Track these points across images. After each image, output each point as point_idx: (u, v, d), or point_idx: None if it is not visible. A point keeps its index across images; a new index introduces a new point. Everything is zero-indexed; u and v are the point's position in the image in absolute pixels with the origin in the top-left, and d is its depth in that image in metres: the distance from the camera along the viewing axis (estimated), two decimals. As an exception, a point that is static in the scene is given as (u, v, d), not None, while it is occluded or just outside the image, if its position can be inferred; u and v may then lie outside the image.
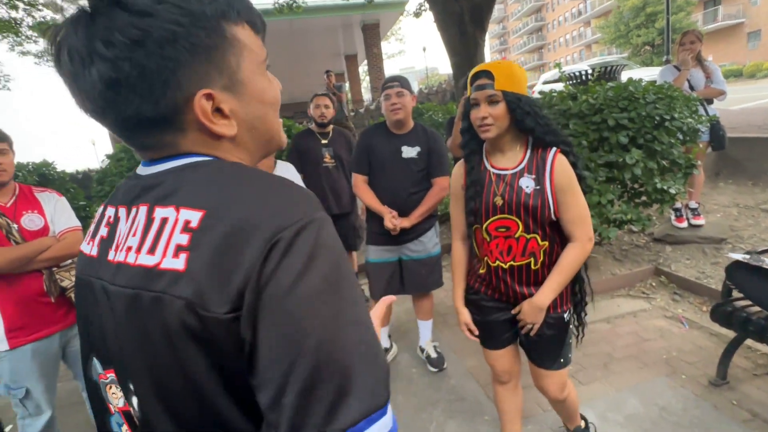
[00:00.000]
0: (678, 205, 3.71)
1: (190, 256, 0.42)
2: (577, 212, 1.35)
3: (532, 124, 1.32)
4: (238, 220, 0.41)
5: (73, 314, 1.92)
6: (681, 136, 2.91)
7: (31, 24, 8.14)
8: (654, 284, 3.24)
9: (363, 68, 20.56)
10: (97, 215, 0.58)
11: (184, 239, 0.43)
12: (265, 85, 0.53)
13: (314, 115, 3.15)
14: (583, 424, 1.78)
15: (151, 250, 0.45)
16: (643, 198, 3.06)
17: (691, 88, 3.53)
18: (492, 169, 1.42)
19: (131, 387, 0.50)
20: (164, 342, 0.43)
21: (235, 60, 0.48)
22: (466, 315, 1.58)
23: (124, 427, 0.54)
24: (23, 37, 8.36)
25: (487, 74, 1.32)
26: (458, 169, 1.55)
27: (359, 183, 2.47)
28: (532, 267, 1.41)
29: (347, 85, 18.75)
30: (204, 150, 0.50)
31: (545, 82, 11.37)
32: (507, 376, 1.64)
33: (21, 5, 7.77)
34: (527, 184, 1.35)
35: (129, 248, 0.48)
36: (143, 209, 0.48)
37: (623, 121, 2.68)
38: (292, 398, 0.39)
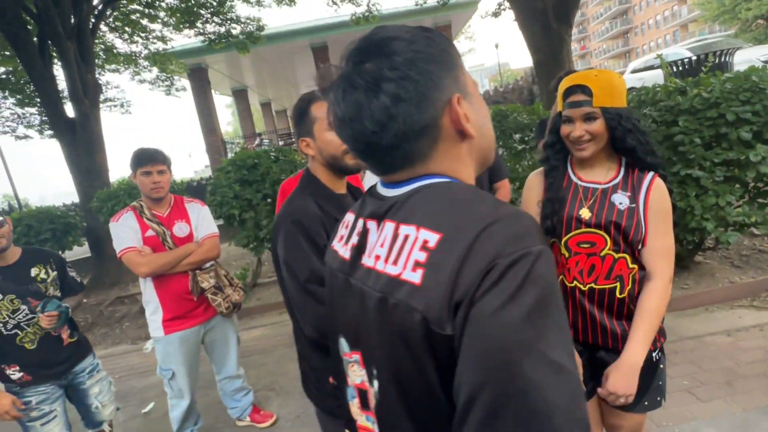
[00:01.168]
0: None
1: (426, 273, 0.50)
2: (667, 244, 1.20)
3: (634, 142, 1.19)
4: (466, 247, 0.48)
5: (211, 310, 2.23)
6: (818, 128, 2.57)
7: (145, 55, 9.37)
8: (783, 294, 2.89)
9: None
10: (348, 223, 0.70)
11: (422, 257, 0.51)
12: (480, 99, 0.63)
13: None
14: None
15: (395, 262, 0.54)
16: (769, 198, 2.75)
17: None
18: (579, 182, 1.30)
19: (374, 372, 0.59)
20: (402, 342, 0.52)
21: (461, 75, 0.60)
22: None
23: (356, 401, 0.65)
24: (141, 67, 9.65)
25: (583, 89, 1.19)
26: (536, 179, 1.41)
27: None
28: (617, 295, 1.22)
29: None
30: (446, 163, 0.59)
31: (634, 71, 10.38)
32: None
33: (140, 40, 8.99)
34: (621, 200, 1.22)
35: (377, 257, 0.58)
36: (390, 225, 0.58)
37: (746, 114, 2.43)
38: (476, 418, 0.45)
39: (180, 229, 2.17)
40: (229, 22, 8.82)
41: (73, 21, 5.94)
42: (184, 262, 2.11)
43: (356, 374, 0.65)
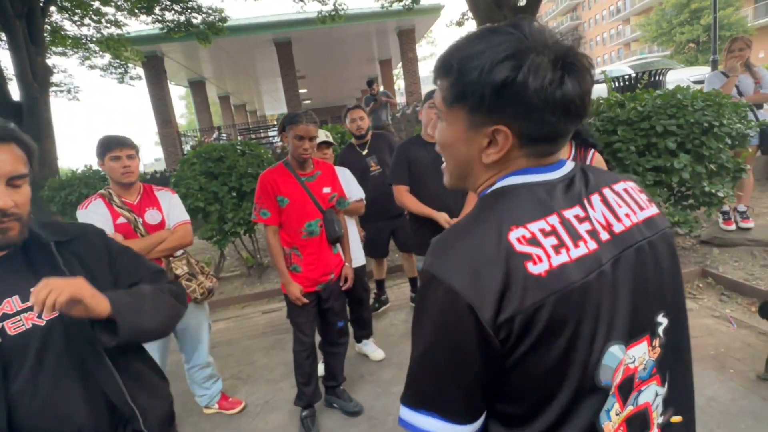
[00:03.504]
0: (726, 208, 3.74)
1: (652, 204, 0.68)
2: None
3: (581, 127, 1.65)
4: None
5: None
6: (729, 141, 2.99)
7: (97, 38, 8.88)
8: (701, 285, 3.31)
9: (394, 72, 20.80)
10: (549, 227, 0.58)
11: (644, 197, 0.69)
12: None
13: (351, 129, 3.33)
14: None
15: (640, 209, 0.66)
16: (691, 201, 3.15)
17: (740, 93, 3.58)
18: None
19: (663, 322, 0.65)
20: (673, 261, 0.67)
21: None
22: None
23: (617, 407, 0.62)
24: (92, 52, 9.14)
25: None
26: None
27: (403, 193, 2.59)
28: None
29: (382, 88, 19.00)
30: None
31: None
32: None
33: (91, 23, 8.52)
34: None
35: (627, 215, 0.64)
36: (606, 191, 0.65)
37: (671, 127, 2.80)
38: None
39: (152, 216, 2.19)
40: (189, 10, 8.56)
41: (21, -1, 5.58)
42: (158, 248, 2.13)
43: (640, 361, 0.63)
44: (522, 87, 0.56)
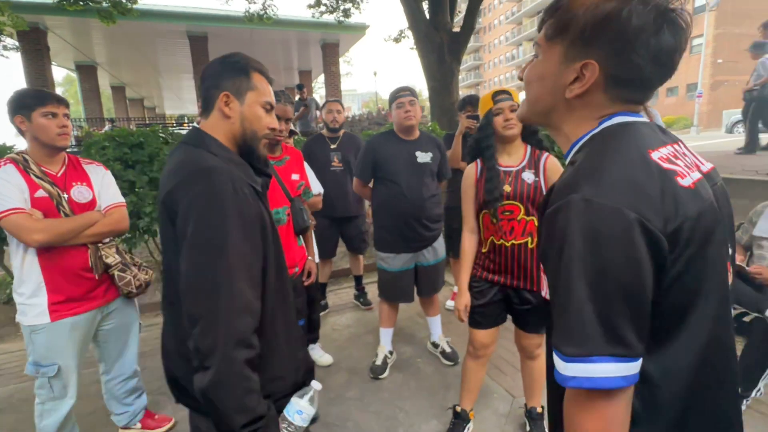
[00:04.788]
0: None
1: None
2: None
3: (536, 128, 1.82)
4: None
5: (112, 292, 1.89)
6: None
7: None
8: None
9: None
10: (672, 153, 0.65)
11: (699, 158, 0.72)
12: None
13: (327, 119, 3.28)
14: (540, 409, 2.04)
15: (703, 163, 0.70)
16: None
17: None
18: (500, 168, 1.78)
19: (730, 250, 0.70)
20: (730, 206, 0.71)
21: None
22: (468, 298, 1.87)
23: None
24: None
25: (506, 92, 1.81)
26: (470, 170, 1.87)
27: (361, 187, 2.67)
28: (529, 246, 1.75)
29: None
30: None
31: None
32: (484, 351, 1.94)
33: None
34: (528, 177, 1.74)
35: (702, 162, 0.70)
36: (677, 146, 0.70)
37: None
38: None
39: (80, 193, 1.82)
40: (93, -19, 7.50)
41: None
42: (87, 232, 1.77)
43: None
44: (622, 23, 0.60)
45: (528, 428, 2.04)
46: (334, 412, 2.30)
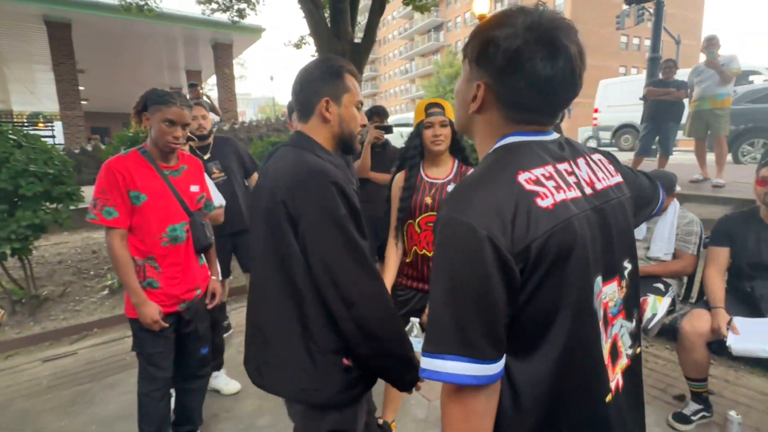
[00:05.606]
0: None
1: (618, 174, 0.83)
2: None
3: (464, 145, 1.85)
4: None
5: None
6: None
7: None
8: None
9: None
10: (548, 173, 0.68)
11: (611, 167, 0.83)
12: None
13: (191, 128, 2.67)
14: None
15: (611, 175, 0.79)
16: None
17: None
18: (426, 178, 1.81)
19: (628, 266, 0.78)
20: (630, 219, 0.80)
21: None
22: None
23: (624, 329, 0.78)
24: None
25: (438, 106, 1.77)
26: (399, 178, 1.90)
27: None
28: None
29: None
30: None
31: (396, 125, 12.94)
32: None
33: None
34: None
35: (599, 179, 0.76)
36: (582, 160, 0.76)
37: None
38: None
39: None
40: None
41: None
42: None
43: (611, 298, 0.74)
44: (501, 49, 0.65)
45: None
46: (246, 444, 2.11)
